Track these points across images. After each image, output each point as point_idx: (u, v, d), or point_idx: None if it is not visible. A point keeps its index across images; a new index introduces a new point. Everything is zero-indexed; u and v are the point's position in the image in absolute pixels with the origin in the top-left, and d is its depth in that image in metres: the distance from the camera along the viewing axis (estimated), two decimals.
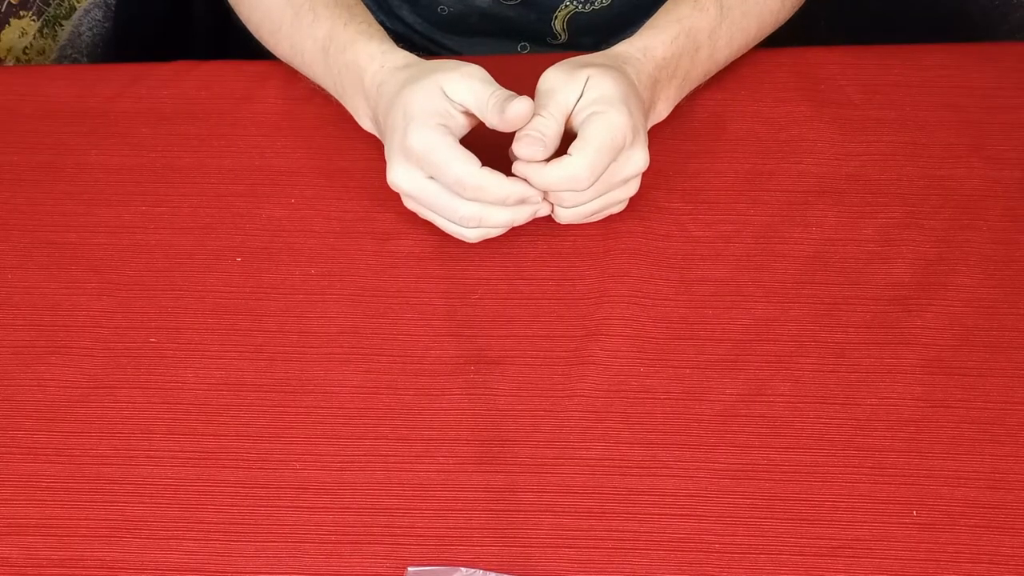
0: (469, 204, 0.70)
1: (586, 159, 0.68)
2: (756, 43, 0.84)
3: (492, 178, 0.69)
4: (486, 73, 0.70)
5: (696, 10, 0.78)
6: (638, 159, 0.71)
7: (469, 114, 0.70)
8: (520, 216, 0.72)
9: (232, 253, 0.78)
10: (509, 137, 0.71)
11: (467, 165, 0.68)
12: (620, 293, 0.75)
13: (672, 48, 0.77)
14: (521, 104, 0.68)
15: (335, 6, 0.79)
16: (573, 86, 0.70)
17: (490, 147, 0.72)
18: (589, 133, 0.69)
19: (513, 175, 0.70)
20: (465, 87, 0.69)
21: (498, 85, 0.70)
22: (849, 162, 0.80)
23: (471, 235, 0.73)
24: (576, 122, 0.70)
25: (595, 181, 0.69)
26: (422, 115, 0.69)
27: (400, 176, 0.71)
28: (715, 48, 0.80)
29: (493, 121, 0.69)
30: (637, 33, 0.78)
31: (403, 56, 0.75)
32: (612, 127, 0.69)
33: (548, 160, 0.69)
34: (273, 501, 0.68)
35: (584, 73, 0.71)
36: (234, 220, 0.79)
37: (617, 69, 0.72)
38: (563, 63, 0.72)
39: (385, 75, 0.74)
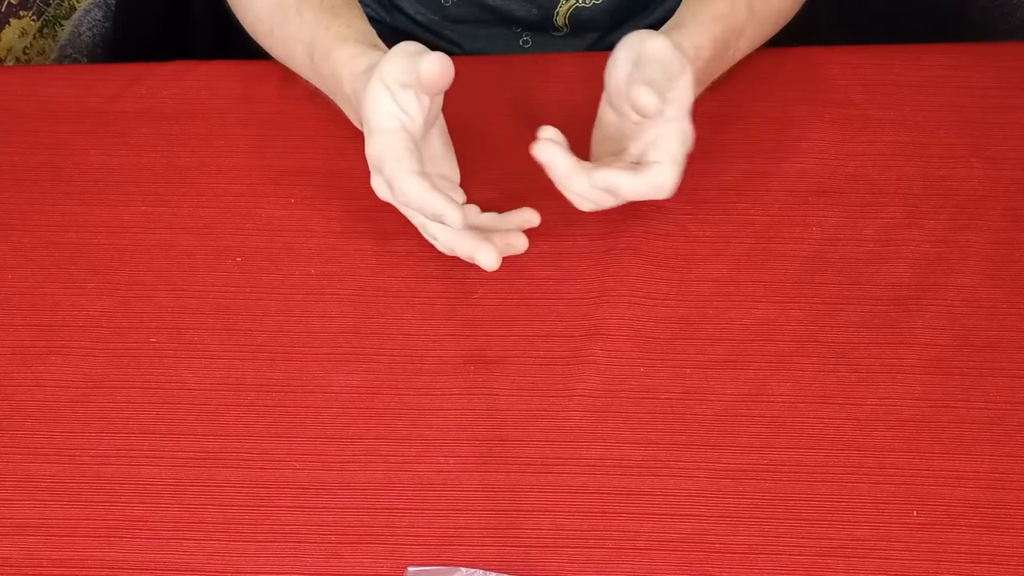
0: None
1: (640, 179, 0.66)
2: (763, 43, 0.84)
3: (415, 186, 0.66)
4: (415, 45, 0.68)
5: (733, 8, 0.76)
6: (665, 180, 0.67)
7: (420, 94, 0.68)
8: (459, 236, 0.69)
9: (232, 253, 0.78)
10: (500, 132, 0.69)
11: (400, 170, 0.66)
12: (620, 293, 0.75)
13: (712, 49, 0.75)
14: (428, 63, 0.64)
15: (319, 9, 0.78)
16: (675, 75, 0.67)
17: (485, 146, 0.72)
18: (669, 143, 0.67)
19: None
20: (395, 67, 0.67)
21: (424, 52, 0.66)
22: (849, 162, 0.80)
23: (443, 241, 0.72)
24: (658, 115, 0.67)
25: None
26: (376, 120, 0.68)
27: (376, 186, 0.70)
28: (738, 48, 0.78)
29: (420, 89, 0.66)
30: (682, 29, 0.74)
31: (369, 58, 0.73)
32: (686, 139, 0.67)
33: (631, 169, 0.67)
34: (273, 501, 0.68)
35: (689, 72, 0.67)
36: (234, 220, 0.79)
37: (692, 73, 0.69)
38: (674, 43, 0.68)
39: (355, 82, 0.73)
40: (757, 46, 0.83)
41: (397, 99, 0.68)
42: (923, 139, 0.81)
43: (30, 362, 0.73)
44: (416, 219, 0.73)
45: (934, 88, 0.84)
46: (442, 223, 0.66)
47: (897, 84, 0.84)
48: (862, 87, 0.84)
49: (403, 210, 0.73)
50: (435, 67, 0.65)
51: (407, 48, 0.68)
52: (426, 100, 0.68)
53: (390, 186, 0.68)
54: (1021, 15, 1.12)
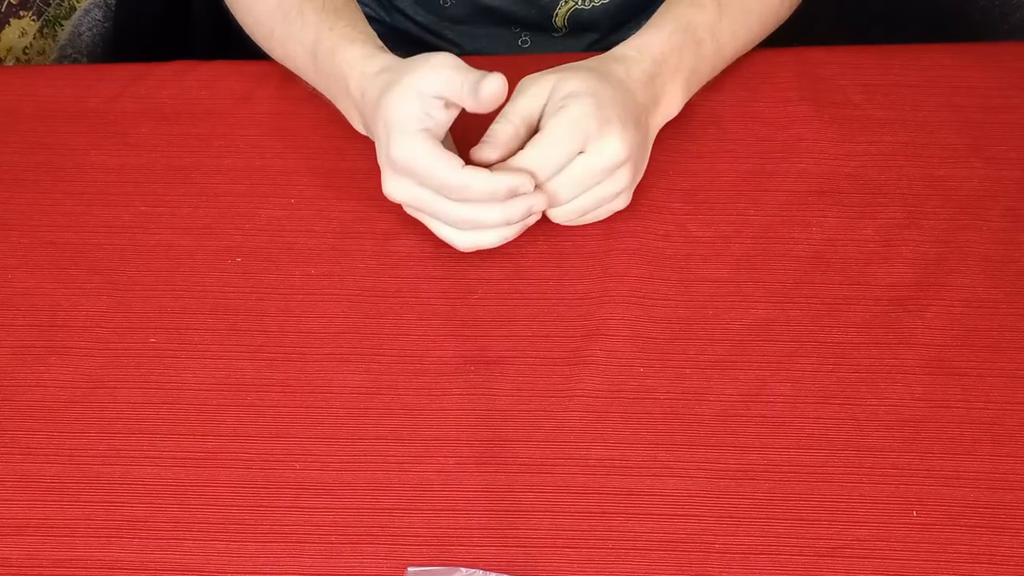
0: (460, 206, 0.70)
1: (537, 147, 0.70)
2: (760, 39, 0.84)
3: (476, 175, 0.68)
4: (456, 59, 0.69)
5: (693, 7, 0.78)
6: (613, 148, 0.70)
7: (449, 105, 0.69)
8: (514, 212, 0.70)
9: (232, 253, 0.78)
10: None
11: (449, 168, 0.68)
12: (620, 293, 0.75)
13: (669, 43, 0.77)
14: (493, 82, 0.66)
15: (322, 10, 0.78)
16: (536, 90, 0.71)
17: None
18: (545, 125, 0.70)
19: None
20: (439, 78, 0.68)
21: (471, 68, 0.68)
22: (849, 162, 0.80)
23: (462, 242, 0.72)
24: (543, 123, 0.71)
25: (557, 170, 0.70)
26: (401, 123, 0.68)
27: (392, 187, 0.71)
28: (719, 43, 0.79)
29: (470, 104, 0.68)
30: (635, 34, 0.78)
31: (380, 60, 0.74)
32: (569, 118, 0.69)
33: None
34: (273, 501, 0.68)
35: (552, 77, 0.71)
36: (234, 220, 0.79)
37: (591, 69, 0.72)
38: (541, 71, 0.73)
39: (366, 83, 0.73)
40: (755, 40, 0.84)
41: (426, 106, 0.68)
42: (923, 139, 0.81)
43: (30, 362, 0.73)
44: (434, 225, 0.73)
45: (934, 88, 0.84)
46: (518, 194, 0.69)
47: (897, 84, 0.84)
48: (862, 87, 0.84)
49: (423, 217, 0.73)
50: (496, 87, 0.66)
51: (449, 61, 0.69)
52: (455, 112, 0.70)
53: (425, 182, 0.69)
54: (1021, 15, 1.12)
